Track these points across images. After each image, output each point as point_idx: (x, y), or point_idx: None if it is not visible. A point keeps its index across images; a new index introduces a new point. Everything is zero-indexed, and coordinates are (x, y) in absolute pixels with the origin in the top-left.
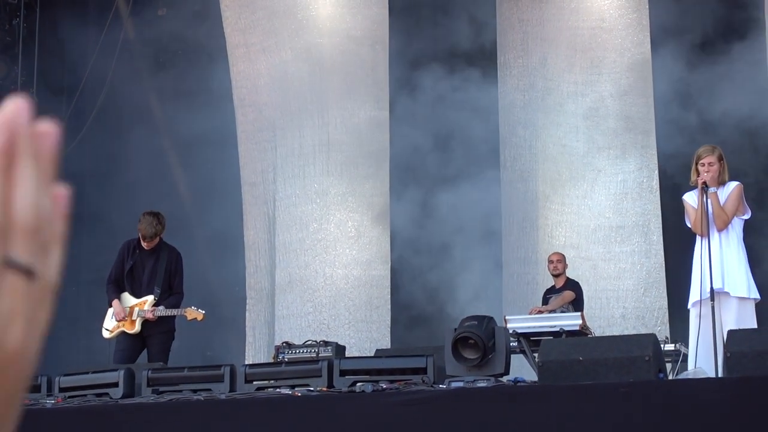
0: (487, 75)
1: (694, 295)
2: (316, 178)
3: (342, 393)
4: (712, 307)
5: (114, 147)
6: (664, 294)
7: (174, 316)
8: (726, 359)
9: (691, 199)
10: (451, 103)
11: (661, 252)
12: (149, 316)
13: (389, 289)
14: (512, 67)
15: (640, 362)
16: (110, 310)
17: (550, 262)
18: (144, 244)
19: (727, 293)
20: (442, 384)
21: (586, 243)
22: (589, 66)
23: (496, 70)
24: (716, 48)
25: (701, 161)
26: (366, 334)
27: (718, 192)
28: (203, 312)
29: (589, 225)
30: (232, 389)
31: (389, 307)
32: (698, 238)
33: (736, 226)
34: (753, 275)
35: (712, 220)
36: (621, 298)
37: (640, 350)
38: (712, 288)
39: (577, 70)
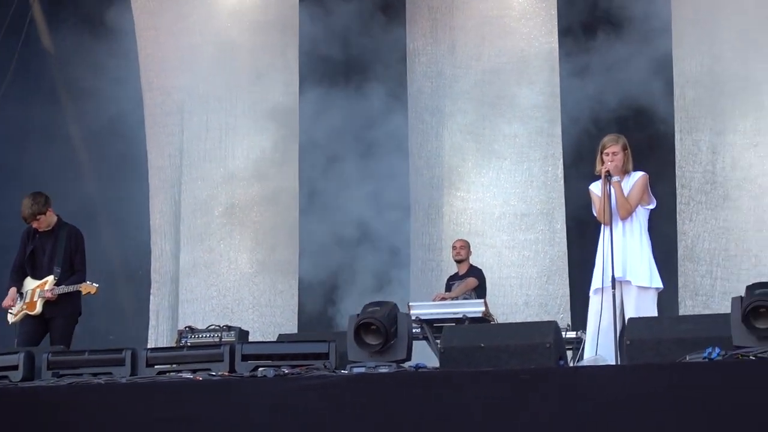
0: (397, 62)
1: (596, 283)
2: (222, 162)
3: (243, 377)
4: (613, 295)
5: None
6: (567, 282)
7: (78, 299)
8: (626, 347)
9: (596, 188)
10: (360, 89)
11: (565, 240)
12: (48, 295)
13: (297, 274)
14: (421, 54)
15: (541, 349)
16: (17, 296)
17: (454, 248)
18: (37, 226)
19: (629, 282)
20: (344, 369)
21: (491, 230)
22: (496, 54)
23: (405, 57)
24: (622, 38)
25: (606, 150)
26: (270, 318)
27: (622, 181)
28: (97, 285)
29: (493, 212)
30: (133, 373)
31: (296, 291)
32: (602, 227)
33: (641, 216)
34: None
35: (616, 210)
36: (524, 285)
37: (541, 337)
38: (613, 276)
39: (485, 59)
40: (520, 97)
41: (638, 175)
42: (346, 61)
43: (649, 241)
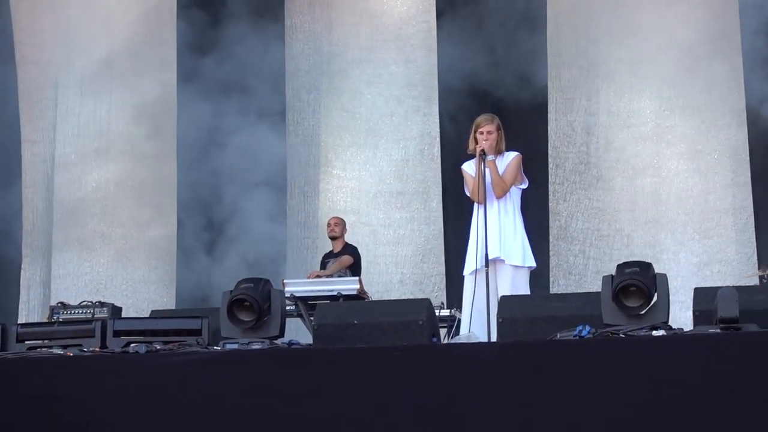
0: (274, 39)
1: (470, 262)
2: (96, 137)
3: (115, 354)
4: (487, 274)
5: None
6: (442, 260)
7: None
8: (498, 324)
9: (469, 168)
10: (239, 67)
11: (441, 219)
12: None
13: (172, 250)
14: (298, 32)
15: (414, 326)
16: None
17: (328, 225)
18: None
19: (502, 261)
20: (217, 346)
21: (367, 208)
22: (374, 32)
23: (283, 35)
24: (499, 19)
25: (480, 130)
26: (144, 295)
27: (496, 161)
28: None
29: (369, 191)
30: (3, 349)
31: (171, 267)
32: (476, 206)
33: (514, 196)
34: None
35: (490, 189)
36: (399, 263)
37: (414, 315)
38: (486, 255)
39: (363, 37)
40: (398, 76)
41: (512, 155)
42: (222, 34)
43: (522, 221)
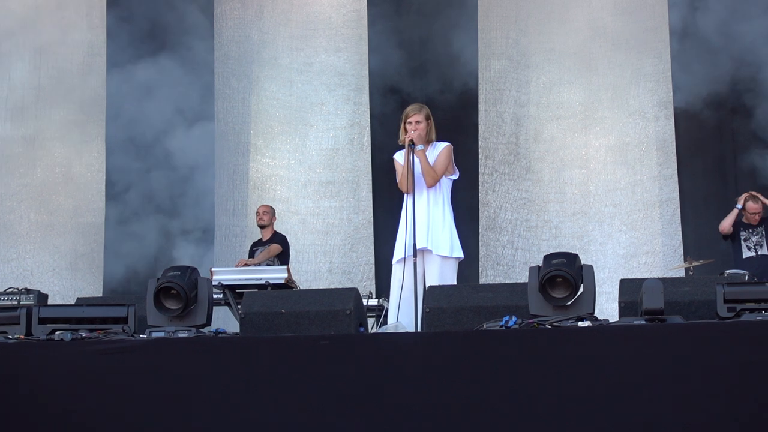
0: (203, 26)
1: (398, 251)
2: (25, 122)
3: (40, 341)
4: (414, 264)
5: None
6: (372, 250)
7: None
8: (425, 314)
9: (400, 157)
10: (168, 53)
11: (370, 208)
12: None
13: (100, 237)
14: (228, 19)
15: (341, 316)
16: None
17: (257, 213)
18: None
19: (430, 251)
20: (143, 334)
21: (296, 197)
22: (304, 21)
23: (213, 21)
24: (429, 9)
25: (409, 119)
26: (71, 282)
27: (426, 151)
28: None
29: (299, 179)
30: None
31: (99, 255)
32: (405, 196)
33: (444, 186)
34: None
35: (420, 178)
36: (328, 252)
37: (341, 304)
38: (414, 245)
39: (293, 25)
40: (328, 64)
41: (443, 145)
42: (152, 23)
43: (452, 212)
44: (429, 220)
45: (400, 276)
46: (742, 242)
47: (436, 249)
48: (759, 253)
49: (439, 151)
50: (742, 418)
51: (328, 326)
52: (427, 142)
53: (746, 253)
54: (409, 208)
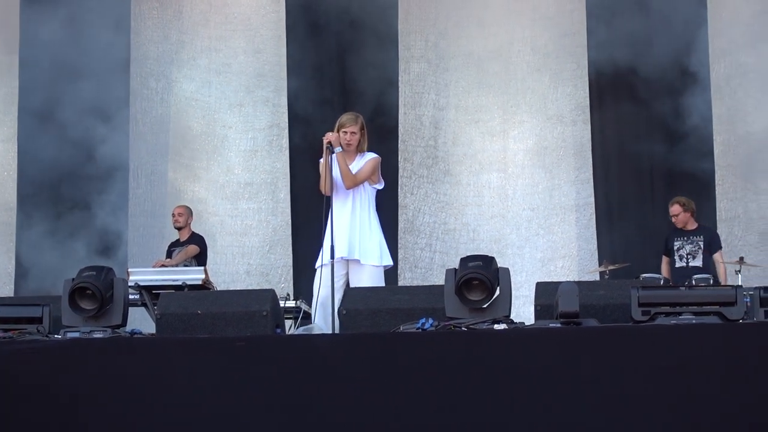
0: (121, 25)
1: (323, 254)
2: None
3: None
4: (332, 265)
5: None
6: (290, 252)
7: None
8: (341, 316)
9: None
10: (80, 51)
11: (288, 210)
12: None
13: (14, 236)
14: (147, 18)
15: (258, 317)
16: None
17: (173, 215)
18: None
19: (357, 260)
20: (58, 334)
21: (214, 198)
22: (223, 21)
23: (130, 20)
24: (349, 11)
25: (344, 129)
26: None
27: (355, 160)
28: None
29: (217, 180)
30: None
31: (12, 254)
32: (328, 200)
33: (369, 195)
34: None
35: (340, 182)
36: (246, 254)
37: (258, 305)
38: (332, 246)
39: (212, 25)
40: (247, 65)
41: (371, 156)
42: (67, 16)
43: (378, 220)
44: (358, 230)
45: (319, 279)
46: (675, 252)
47: (365, 258)
48: (690, 264)
49: (366, 160)
50: (656, 421)
51: (245, 327)
52: (359, 151)
53: (678, 263)
54: (330, 211)
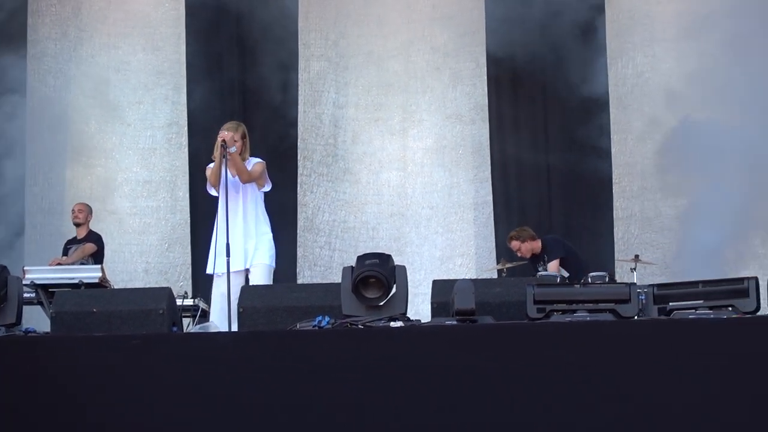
0: (17, 21)
1: (218, 253)
2: None
3: None
4: (228, 263)
5: None
6: (189, 250)
7: None
8: (239, 314)
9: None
10: None
11: (187, 208)
12: None
13: None
14: (45, 15)
15: (154, 315)
16: None
17: (72, 212)
18: None
19: (252, 264)
20: None
21: (112, 196)
22: (123, 18)
23: (27, 17)
24: (243, 9)
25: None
26: None
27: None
28: None
29: (116, 178)
30: None
31: None
32: (221, 200)
33: (257, 197)
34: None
35: (234, 186)
36: (144, 252)
37: (154, 303)
38: (228, 244)
39: (111, 22)
40: (146, 63)
41: (257, 160)
42: None
43: (267, 220)
44: (246, 232)
45: (217, 279)
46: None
47: (258, 258)
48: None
49: (251, 165)
50: (551, 417)
51: (141, 325)
52: (243, 160)
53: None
54: (222, 211)
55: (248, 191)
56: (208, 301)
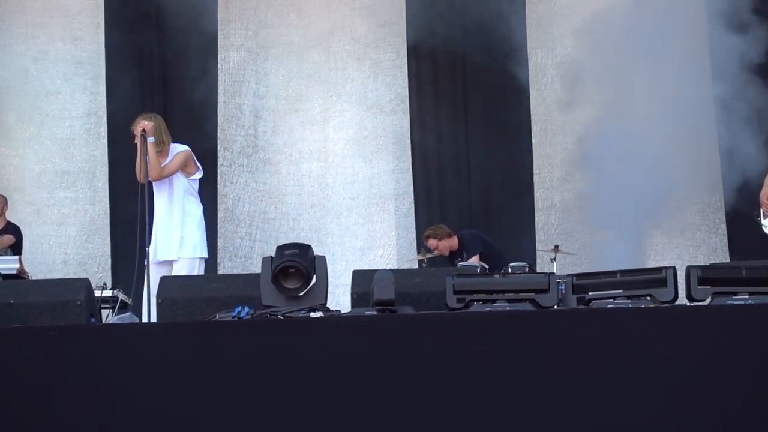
0: None
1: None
2: None
3: None
4: (147, 254)
5: None
6: (108, 241)
7: None
8: (158, 305)
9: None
10: None
11: (107, 199)
12: None
13: None
14: None
15: (71, 306)
16: None
17: None
18: None
19: (177, 258)
20: None
21: (30, 187)
22: (41, 8)
23: None
24: (170, 2)
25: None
26: None
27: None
28: None
29: (34, 169)
30: None
31: None
32: (143, 188)
33: (186, 186)
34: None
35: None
36: (63, 244)
37: (72, 294)
38: (150, 232)
39: (29, 11)
40: (65, 53)
41: (179, 149)
42: None
43: (199, 210)
44: (171, 223)
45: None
46: None
47: (181, 252)
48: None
49: (173, 154)
50: (471, 409)
51: (58, 317)
52: (165, 149)
53: None
54: (145, 201)
55: (174, 180)
56: (128, 292)
